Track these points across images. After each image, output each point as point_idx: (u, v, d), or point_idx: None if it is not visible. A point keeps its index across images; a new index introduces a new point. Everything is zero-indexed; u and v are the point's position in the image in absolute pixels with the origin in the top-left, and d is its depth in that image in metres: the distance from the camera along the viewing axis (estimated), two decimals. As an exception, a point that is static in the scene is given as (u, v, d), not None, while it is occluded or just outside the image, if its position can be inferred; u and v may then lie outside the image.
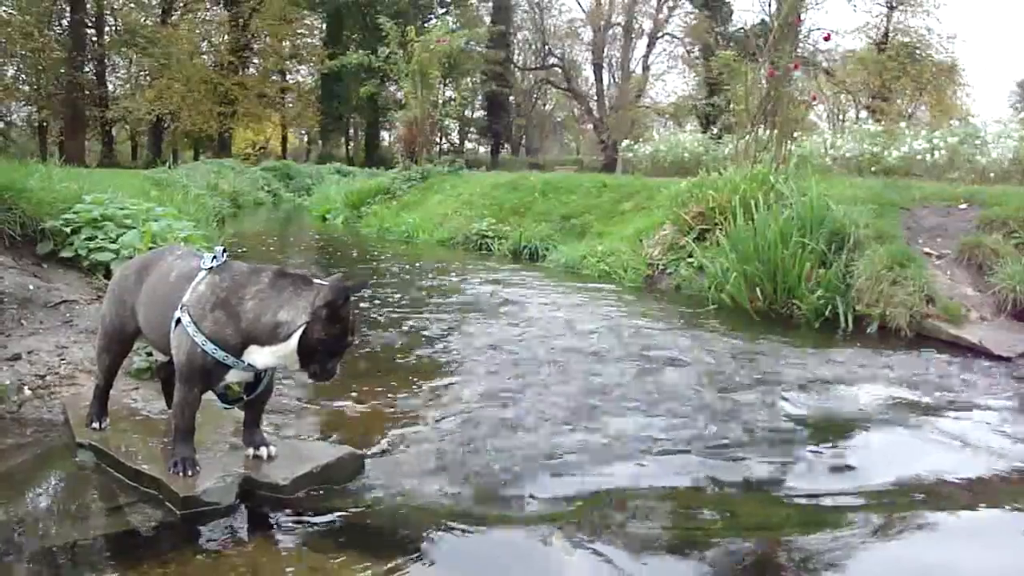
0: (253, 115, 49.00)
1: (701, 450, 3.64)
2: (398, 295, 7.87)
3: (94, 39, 45.56)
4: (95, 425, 3.38)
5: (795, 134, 12.05)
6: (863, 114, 45.12)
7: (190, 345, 2.80)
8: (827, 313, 6.79)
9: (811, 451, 3.72)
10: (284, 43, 52.69)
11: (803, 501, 3.18)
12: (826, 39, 12.59)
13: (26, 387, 3.89)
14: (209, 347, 2.77)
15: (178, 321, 2.85)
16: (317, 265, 11.14)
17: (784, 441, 3.81)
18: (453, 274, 9.76)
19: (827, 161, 16.73)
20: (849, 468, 3.53)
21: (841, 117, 48.89)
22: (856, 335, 6.48)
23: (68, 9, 43.06)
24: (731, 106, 11.58)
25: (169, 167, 21.94)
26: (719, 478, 3.35)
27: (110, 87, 48.34)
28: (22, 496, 3.07)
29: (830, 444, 3.80)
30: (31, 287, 4.65)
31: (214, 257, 2.93)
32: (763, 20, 42.02)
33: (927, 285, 6.52)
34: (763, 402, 4.41)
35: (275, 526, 2.79)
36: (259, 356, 2.81)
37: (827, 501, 3.18)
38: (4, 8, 41.57)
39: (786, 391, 4.63)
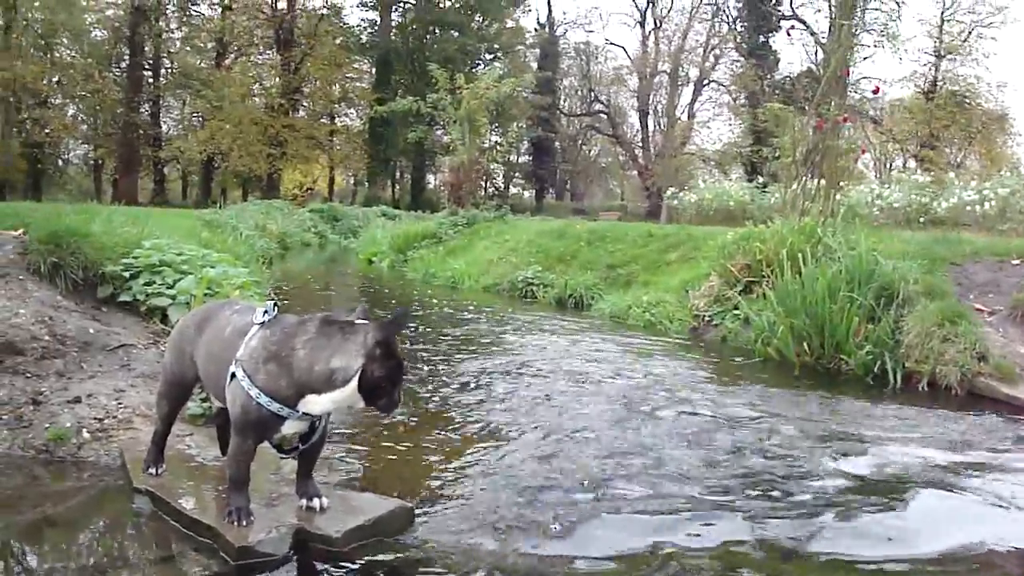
0: (301, 156, 49.80)
1: (747, 509, 3.60)
2: (445, 344, 7.92)
3: (150, 81, 47.10)
4: (152, 471, 3.46)
5: (842, 184, 12.00)
6: (911, 163, 44.78)
7: (244, 398, 2.87)
8: (876, 369, 6.72)
9: (860, 514, 3.64)
10: (334, 87, 53.70)
11: (851, 567, 3.13)
12: (875, 92, 12.57)
13: (85, 430, 3.99)
14: (263, 399, 2.83)
15: (233, 375, 2.92)
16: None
17: (832, 502, 3.75)
18: (500, 322, 9.80)
19: (874, 211, 16.63)
20: (898, 533, 3.44)
21: (888, 166, 48.52)
22: (906, 392, 6.39)
23: (127, 52, 44.52)
24: (777, 155, 11.54)
25: (219, 207, 22.38)
26: (765, 539, 3.31)
27: (164, 127, 49.80)
28: (77, 540, 3.14)
29: (879, 507, 3.73)
30: (91, 330, 4.78)
31: (265, 312, 3.01)
32: (809, 68, 42.04)
33: (979, 342, 6.42)
34: (811, 461, 4.35)
35: (326, 578, 2.83)
36: (318, 404, 2.86)
37: (876, 567, 3.12)
38: (68, 52, 43.16)
39: (834, 449, 4.56)
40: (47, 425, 3.98)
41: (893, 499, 3.82)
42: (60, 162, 49.20)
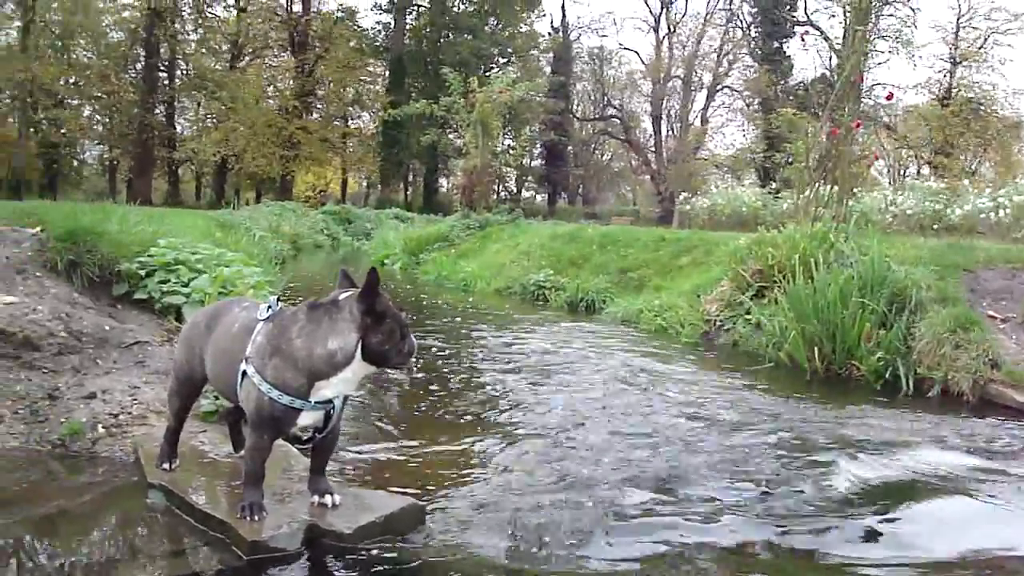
0: (315, 159, 49.90)
1: (757, 512, 3.61)
2: (457, 346, 7.95)
3: (166, 82, 47.33)
4: (165, 466, 3.49)
5: (855, 190, 11.97)
6: (925, 170, 44.55)
7: (257, 395, 2.90)
8: (887, 375, 6.71)
9: (869, 518, 3.63)
10: (347, 89, 53.79)
11: (861, 570, 3.12)
12: (888, 98, 12.55)
13: (100, 425, 4.03)
14: (275, 394, 2.86)
15: (244, 373, 2.95)
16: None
17: (842, 506, 3.75)
18: (511, 325, 9.82)
19: (887, 218, 16.58)
20: (908, 537, 3.44)
21: (902, 173, 48.30)
22: (917, 399, 6.38)
23: (143, 54, 44.80)
24: (790, 161, 11.55)
25: (233, 208, 22.46)
26: (774, 542, 3.32)
27: (178, 128, 49.95)
28: (91, 534, 3.16)
29: (889, 511, 3.72)
30: (107, 327, 4.82)
31: (269, 307, 3.05)
32: (823, 75, 41.95)
33: (991, 349, 6.41)
34: (821, 465, 4.35)
35: (337, 574, 2.84)
36: (330, 388, 2.90)
37: (885, 572, 3.12)
38: (84, 53, 43.46)
39: (845, 454, 4.55)
40: (63, 420, 4.02)
41: (904, 503, 3.82)
42: (76, 162, 49.51)
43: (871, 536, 3.45)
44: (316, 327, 2.88)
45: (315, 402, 2.90)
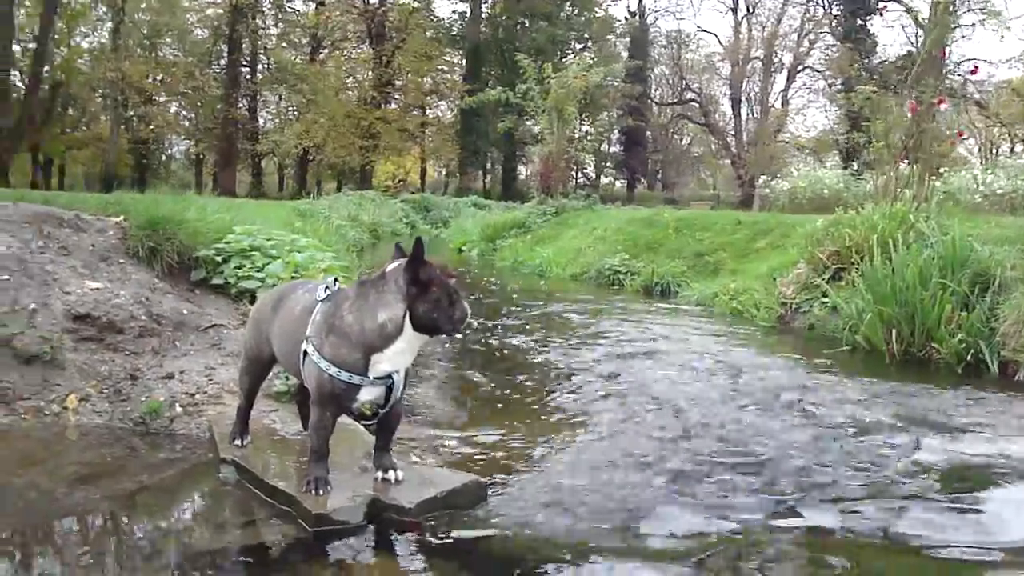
0: (394, 148, 50.41)
1: (832, 495, 3.55)
2: (526, 329, 7.99)
3: (248, 77, 48.37)
4: (237, 442, 3.63)
5: (941, 170, 11.64)
6: (1019, 147, 42.89)
7: (318, 372, 2.99)
8: (968, 358, 6.51)
9: (947, 501, 3.54)
10: (425, 79, 54.19)
11: (937, 554, 3.04)
12: (973, 72, 12.14)
13: (177, 404, 4.20)
14: (333, 371, 2.94)
15: (306, 352, 3.05)
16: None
17: (919, 489, 3.67)
18: (584, 308, 9.82)
19: (977, 198, 16.06)
20: (988, 521, 3.35)
21: (994, 151, 46.57)
22: (1002, 382, 6.16)
23: (226, 50, 45.95)
24: (873, 141, 11.26)
25: (313, 198, 22.86)
26: (850, 525, 3.26)
27: (261, 122, 50.98)
28: (169, 507, 3.33)
29: (968, 495, 3.62)
30: (185, 311, 5.01)
31: (326, 287, 3.14)
32: (909, 52, 40.68)
33: (1080, 331, 6.18)
34: (899, 448, 4.26)
35: (400, 547, 2.91)
36: (387, 363, 2.97)
37: (963, 555, 3.04)
38: (171, 51, 44.89)
39: (923, 437, 4.45)
40: (143, 399, 4.21)
41: (986, 487, 3.72)
42: (164, 157, 51.07)
43: (951, 519, 3.35)
44: (364, 301, 2.95)
45: (374, 377, 2.97)
